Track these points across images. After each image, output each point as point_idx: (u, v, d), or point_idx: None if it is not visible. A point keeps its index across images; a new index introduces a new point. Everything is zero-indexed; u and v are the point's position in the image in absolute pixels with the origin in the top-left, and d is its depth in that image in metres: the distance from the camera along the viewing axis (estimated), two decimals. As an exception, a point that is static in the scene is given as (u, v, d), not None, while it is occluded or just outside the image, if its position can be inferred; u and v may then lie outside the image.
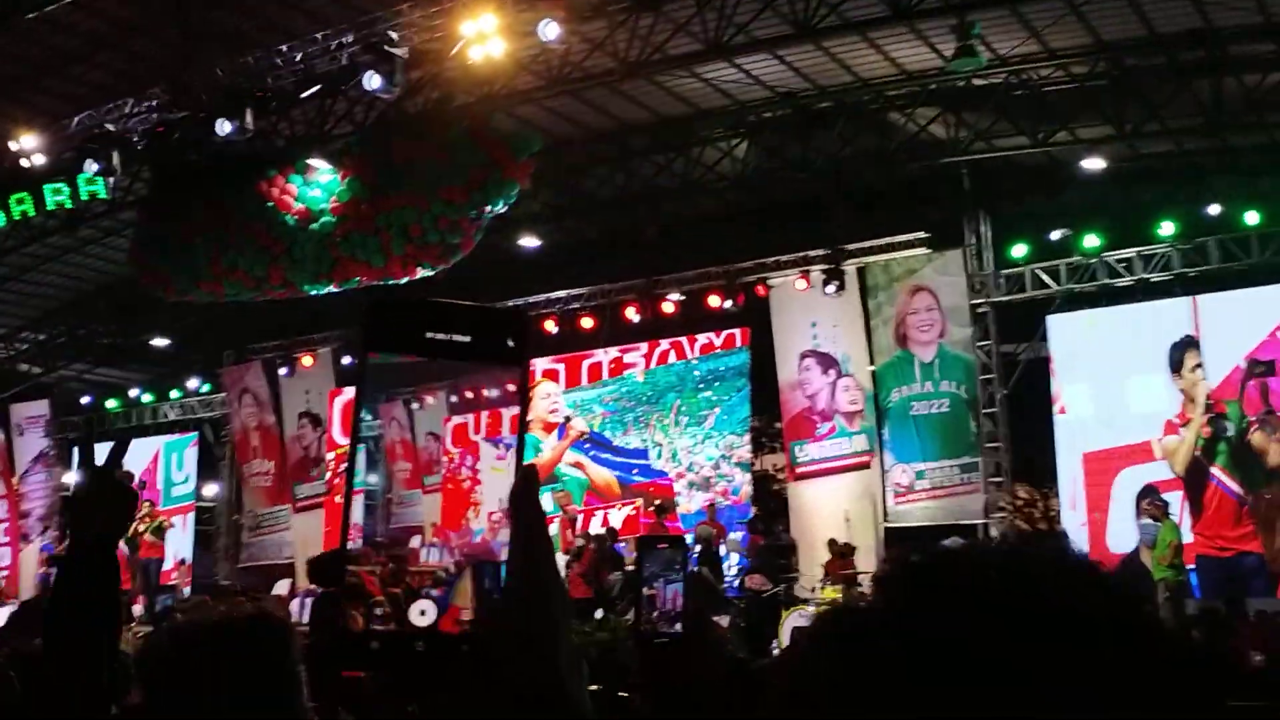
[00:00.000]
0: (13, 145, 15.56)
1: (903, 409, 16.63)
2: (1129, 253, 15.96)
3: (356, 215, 14.29)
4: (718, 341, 17.83)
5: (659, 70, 14.79)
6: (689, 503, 17.19)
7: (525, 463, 1.01)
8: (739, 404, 17.52)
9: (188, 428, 22.67)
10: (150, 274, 16.06)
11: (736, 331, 17.68)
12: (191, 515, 21.96)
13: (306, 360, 20.44)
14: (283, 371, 20.71)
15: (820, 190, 17.35)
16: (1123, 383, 15.24)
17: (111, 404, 23.64)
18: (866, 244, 16.88)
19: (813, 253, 17.13)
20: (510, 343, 1.03)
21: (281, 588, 18.91)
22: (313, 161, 15.06)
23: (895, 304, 16.86)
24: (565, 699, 0.90)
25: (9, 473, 22.97)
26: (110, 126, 15.56)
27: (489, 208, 14.20)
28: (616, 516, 17.34)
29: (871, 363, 16.99)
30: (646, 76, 15.11)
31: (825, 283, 16.77)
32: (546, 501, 15.43)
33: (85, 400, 24.27)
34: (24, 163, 15.60)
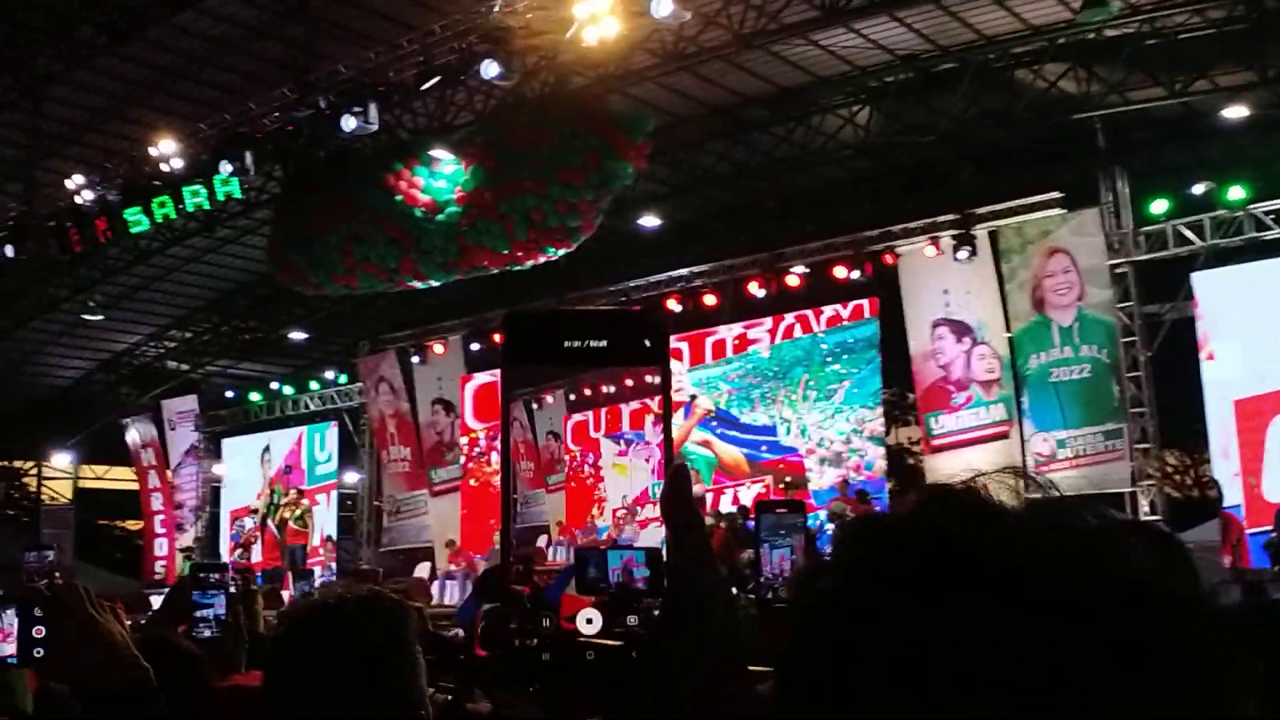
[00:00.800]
0: (152, 150, 16.16)
1: (1042, 376, 16.12)
2: (1277, 204, 15.14)
3: (480, 203, 14.47)
4: (845, 313, 17.53)
5: (775, 40, 14.56)
6: (820, 479, 17.00)
7: (675, 462, 0.96)
8: (869, 376, 17.22)
9: (327, 417, 23.34)
10: (288, 270, 16.56)
11: (865, 302, 17.36)
12: (335, 493, 22.65)
13: (437, 348, 20.83)
14: (415, 360, 21.14)
15: (946, 154, 16.90)
16: (1277, 338, 14.47)
17: (255, 397, 24.48)
18: (998, 206, 16.38)
19: (941, 218, 16.69)
20: (648, 343, 1.00)
21: (422, 570, 19.40)
22: (436, 152, 15.28)
23: (1030, 267, 16.32)
24: (729, 703, 0.86)
25: (163, 466, 24.00)
26: (241, 128, 16.04)
27: (606, 189, 14.22)
28: (746, 494, 17.25)
29: (1008, 329, 16.51)
30: (763, 47, 14.90)
31: (956, 248, 16.33)
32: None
33: (229, 394, 25.19)
34: (163, 167, 16.19)
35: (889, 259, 17.08)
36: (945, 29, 15.09)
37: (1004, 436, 16.25)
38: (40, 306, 22.56)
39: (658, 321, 1.03)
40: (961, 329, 16.68)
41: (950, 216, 16.57)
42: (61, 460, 28.36)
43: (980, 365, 16.53)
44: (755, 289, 17.75)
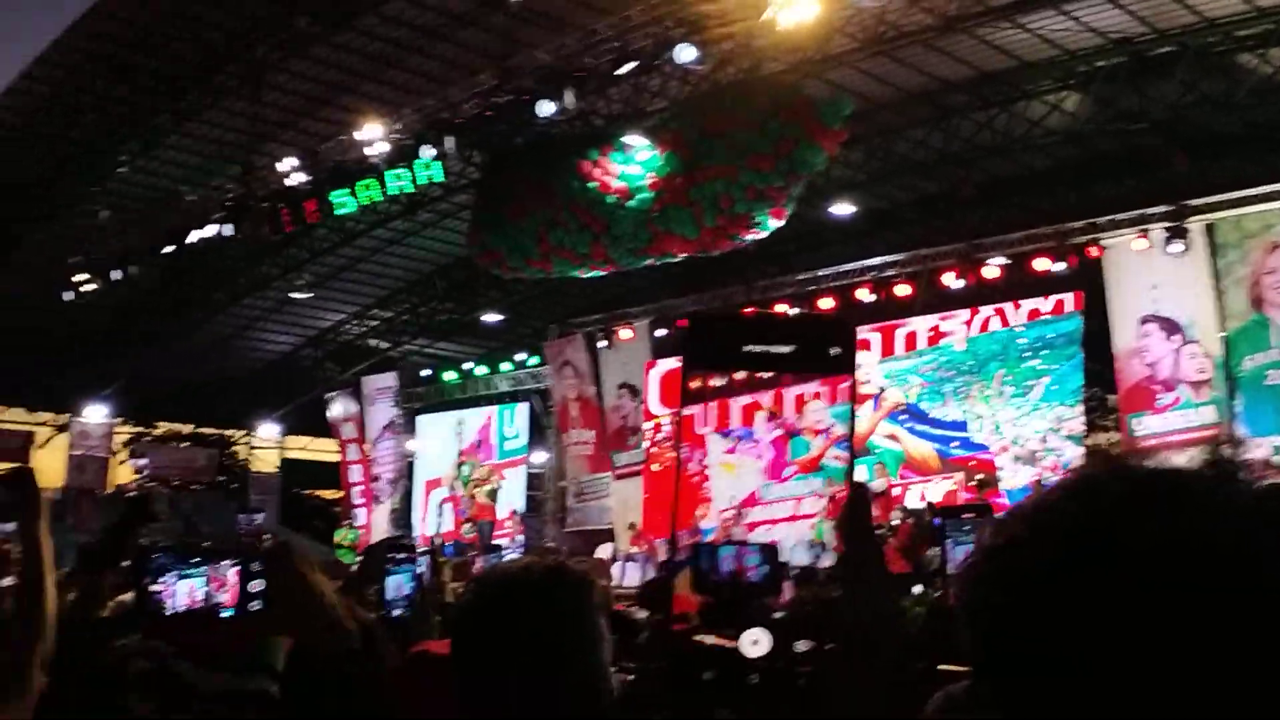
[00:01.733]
0: (358, 135, 16.82)
1: (1257, 378, 15.12)
2: None
3: (671, 189, 14.51)
4: (1046, 307, 16.83)
5: (980, 23, 14.10)
6: (1013, 478, 16.39)
7: (855, 480, 0.89)
8: (1070, 373, 16.49)
9: (518, 398, 23.89)
10: (487, 253, 17.01)
11: (1067, 296, 16.61)
12: (523, 469, 23.18)
13: (624, 333, 21.01)
14: (602, 344, 21.39)
15: (1158, 141, 16.01)
16: None
17: (449, 376, 25.26)
18: (1215, 198, 15.40)
19: (1152, 209, 15.81)
20: (834, 351, 0.93)
21: (604, 551, 19.63)
22: (630, 139, 15.40)
23: (1248, 263, 15.29)
24: None
25: (363, 440, 25.04)
26: (443, 114, 16.52)
27: (797, 176, 14.03)
28: (935, 490, 16.79)
29: (1222, 328, 15.52)
30: (967, 30, 14.45)
31: (1167, 241, 15.45)
32: (860, 473, 15.06)
33: (425, 373, 26.07)
34: (369, 151, 16.83)
35: (1094, 251, 16.29)
36: (1162, 10, 14.30)
37: (1213, 440, 15.31)
38: (253, 284, 23.86)
39: (847, 329, 0.96)
40: (1171, 326, 15.78)
41: (1163, 208, 15.68)
42: (269, 431, 29.98)
43: (1190, 364, 15.61)
44: (951, 280, 17.22)
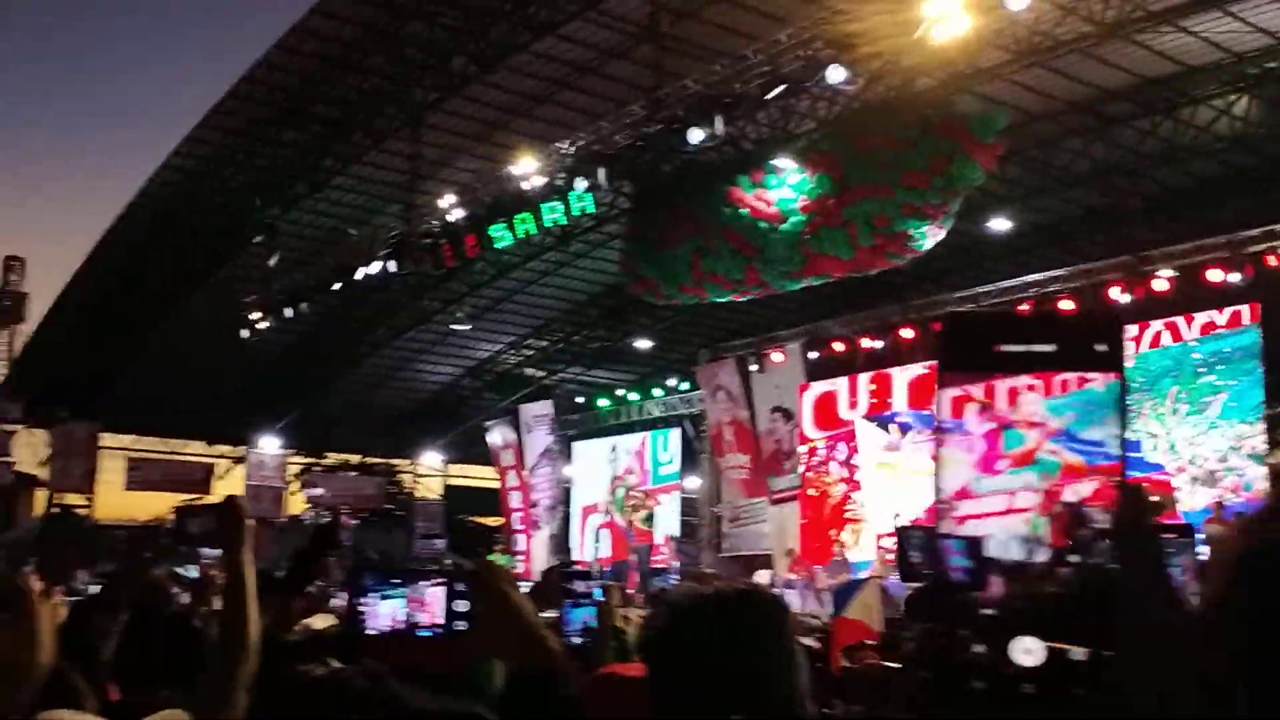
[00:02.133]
0: (514, 170, 17.25)
1: None
2: None
3: (824, 211, 14.42)
4: (1221, 319, 16.06)
5: (1141, 28, 13.65)
6: (1191, 498, 15.64)
7: (1129, 479, 0.86)
8: (1250, 388, 15.69)
9: (670, 423, 24.00)
10: (640, 281, 17.18)
11: (1244, 308, 15.83)
12: (678, 495, 23.23)
13: (776, 356, 20.90)
14: (753, 368, 21.32)
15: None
16: None
17: (603, 403, 25.56)
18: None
19: (1335, 214, 15.01)
20: (1101, 347, 0.91)
21: (761, 577, 19.48)
22: (779, 162, 15.38)
23: None
24: None
25: (521, 466, 25.51)
26: (595, 146, 16.81)
27: (953, 192, 13.78)
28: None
29: None
30: (1126, 37, 14.00)
31: (1353, 247, 14.63)
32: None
33: (580, 400, 26.43)
34: (524, 185, 17.23)
35: (1272, 260, 15.49)
36: (1342, 4, 13.60)
37: None
38: (415, 318, 24.64)
39: (1114, 323, 0.95)
40: (1360, 336, 14.90)
41: (1347, 211, 14.87)
42: (433, 459, 30.85)
43: (1384, 376, 14.71)
44: (1117, 294, 16.61)
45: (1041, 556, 1.08)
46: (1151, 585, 0.83)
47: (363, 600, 2.35)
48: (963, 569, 1.42)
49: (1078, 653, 0.89)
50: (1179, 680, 0.76)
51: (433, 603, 2.29)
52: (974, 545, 1.43)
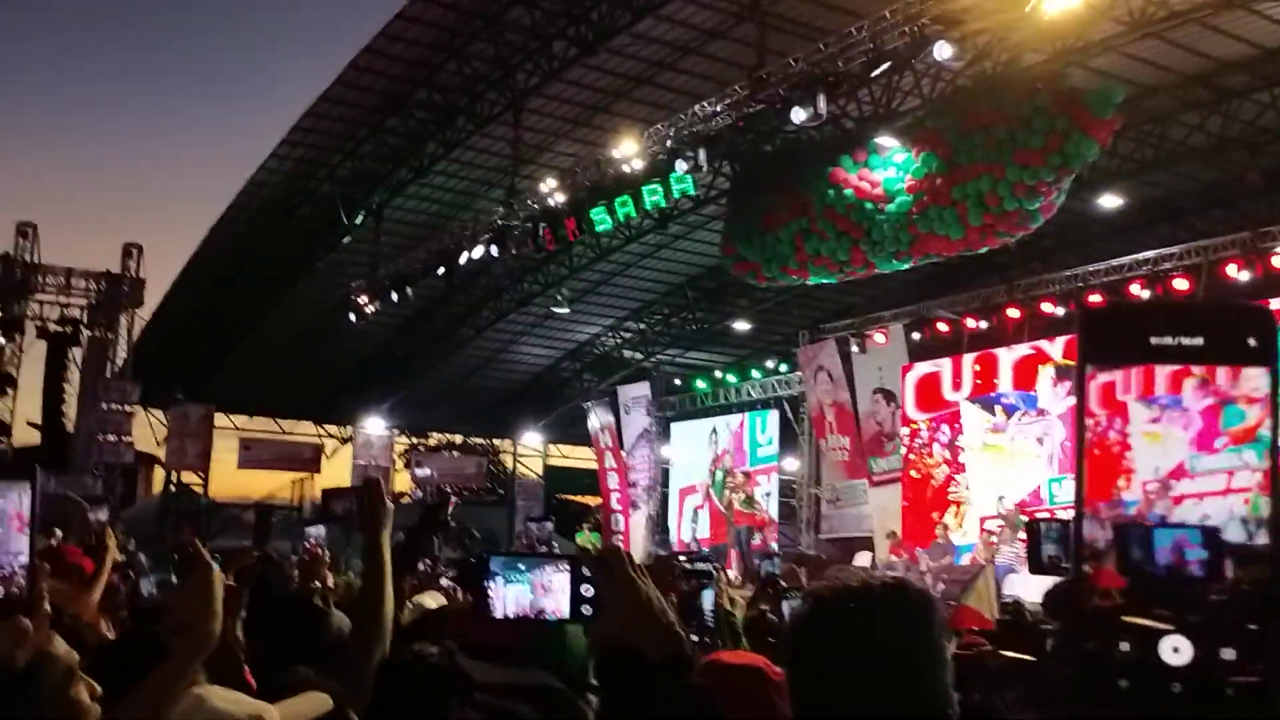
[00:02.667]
0: (614, 152, 17.29)
1: None
2: None
3: (932, 190, 14.18)
4: (1345, 297, 15.44)
5: (1262, -4, 13.13)
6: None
7: None
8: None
9: (768, 405, 23.91)
10: (742, 264, 17.11)
11: (1369, 284, 15.20)
12: (775, 477, 23.14)
13: (878, 337, 20.68)
14: (855, 349, 21.12)
15: None
16: None
17: (701, 384, 25.57)
18: None
19: None
20: (1253, 341, 0.87)
21: (862, 559, 19.34)
22: (883, 141, 15.16)
23: None
24: None
25: (618, 447, 25.67)
26: (695, 127, 16.76)
27: (1067, 170, 13.43)
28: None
29: None
30: (1244, 6, 13.48)
31: None
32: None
33: (678, 381, 26.48)
34: (624, 168, 17.27)
35: (1402, 235, 14.85)
36: None
37: None
38: (516, 301, 24.91)
39: (1267, 316, 0.90)
40: None
41: None
42: (533, 440, 31.20)
43: None
44: (1234, 271, 16.07)
45: (1262, 539, 1.02)
46: None
47: (488, 584, 2.36)
48: (1199, 561, 1.33)
49: (1228, 652, 0.86)
50: None
51: (558, 588, 2.28)
52: (1211, 535, 1.34)
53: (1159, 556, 1.35)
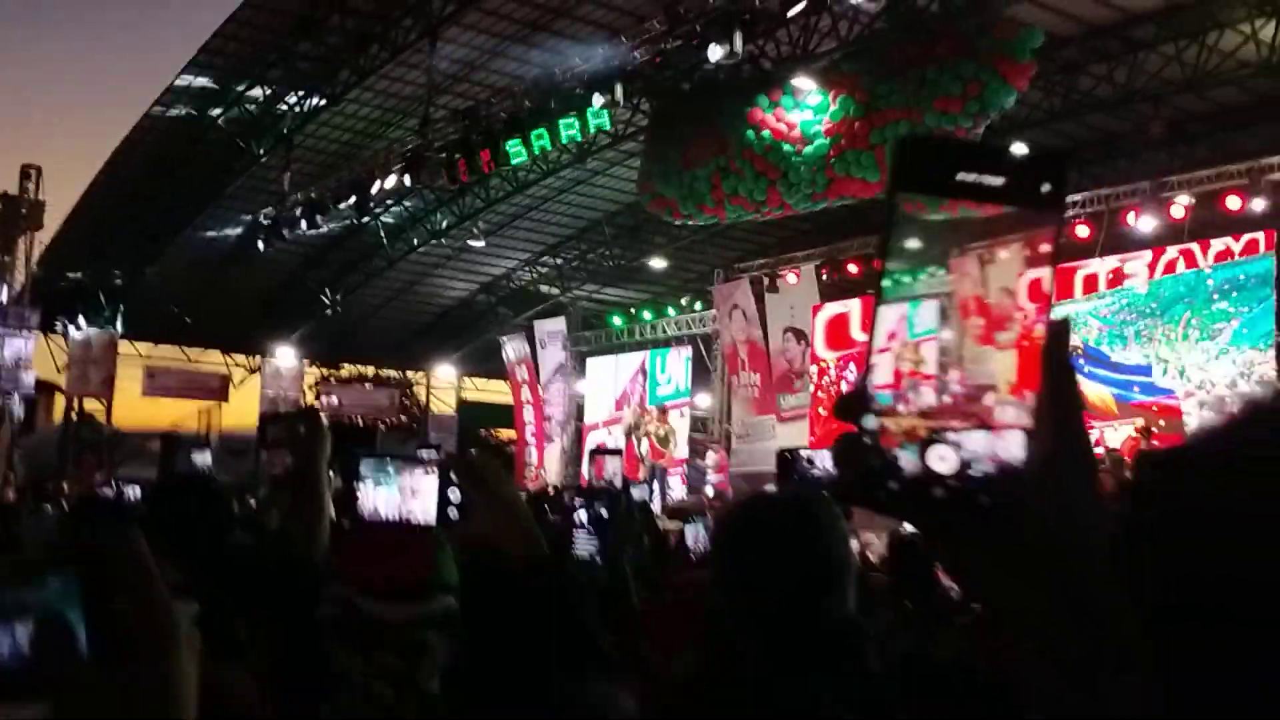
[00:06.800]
0: (530, 86, 17.13)
1: None
2: None
3: (849, 134, 14.32)
4: (1237, 247, 16.01)
5: (1170, -51, 13.38)
6: (1198, 423, 15.74)
7: (1055, 319, 0.86)
8: (1262, 316, 15.69)
9: (683, 342, 24.09)
10: (659, 200, 17.14)
11: (1260, 235, 15.77)
12: (686, 412, 23.29)
13: (791, 277, 20.92)
14: (767, 288, 21.34)
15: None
16: None
17: (616, 321, 25.65)
18: None
19: (1358, 143, 14.84)
20: (1045, 187, 0.86)
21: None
22: (799, 82, 15.23)
23: None
24: (1087, 561, 0.81)
25: (535, 381, 25.72)
26: (613, 61, 16.66)
27: (985, 116, 13.67)
28: (1114, 436, 16.27)
29: None
30: (1155, -42, 13.74)
31: (1373, 177, 14.49)
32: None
33: (594, 318, 26.52)
34: (540, 101, 17.12)
35: (1291, 188, 15.38)
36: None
37: None
38: (430, 233, 24.65)
39: (1060, 164, 0.89)
40: (1375, 266, 14.83)
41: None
42: (447, 373, 31.06)
43: (1396, 306, 14.66)
44: (1133, 220, 16.54)
45: None
46: (1058, 420, 0.85)
47: (356, 485, 2.38)
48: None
49: (988, 466, 0.87)
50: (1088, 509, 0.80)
51: (425, 493, 2.31)
52: None
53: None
